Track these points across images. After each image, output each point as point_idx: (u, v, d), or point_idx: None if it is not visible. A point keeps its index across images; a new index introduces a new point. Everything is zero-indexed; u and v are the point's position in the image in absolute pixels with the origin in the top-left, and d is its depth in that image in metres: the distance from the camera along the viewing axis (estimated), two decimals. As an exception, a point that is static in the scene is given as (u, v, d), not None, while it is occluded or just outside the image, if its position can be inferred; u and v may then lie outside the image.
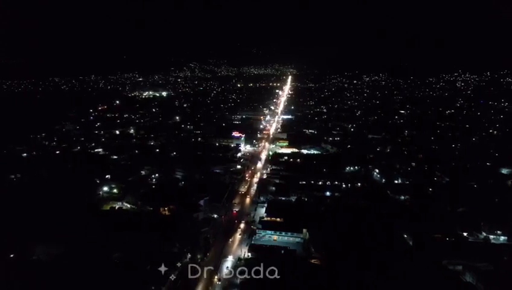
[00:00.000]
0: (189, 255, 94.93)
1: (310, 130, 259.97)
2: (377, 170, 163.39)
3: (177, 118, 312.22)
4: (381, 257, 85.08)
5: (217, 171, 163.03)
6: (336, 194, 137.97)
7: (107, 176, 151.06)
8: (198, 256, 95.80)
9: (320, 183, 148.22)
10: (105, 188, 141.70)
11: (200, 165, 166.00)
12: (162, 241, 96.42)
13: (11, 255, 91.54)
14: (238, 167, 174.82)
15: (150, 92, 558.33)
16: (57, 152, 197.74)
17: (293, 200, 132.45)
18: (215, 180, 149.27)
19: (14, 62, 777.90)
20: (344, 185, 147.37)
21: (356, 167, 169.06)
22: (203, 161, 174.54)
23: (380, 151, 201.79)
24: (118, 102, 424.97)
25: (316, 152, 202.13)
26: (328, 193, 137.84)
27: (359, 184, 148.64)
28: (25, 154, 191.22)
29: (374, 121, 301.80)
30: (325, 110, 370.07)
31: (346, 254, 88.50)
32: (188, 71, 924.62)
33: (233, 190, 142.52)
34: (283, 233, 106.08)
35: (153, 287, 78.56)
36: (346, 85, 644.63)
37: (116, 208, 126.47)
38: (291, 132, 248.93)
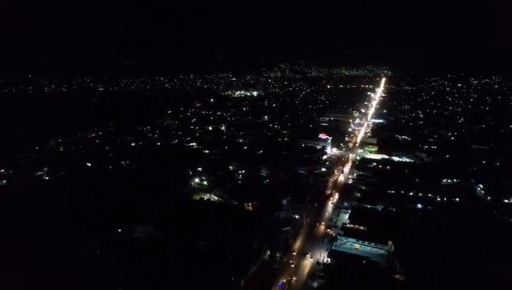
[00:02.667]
0: (268, 252, 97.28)
1: (402, 136, 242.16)
2: (482, 185, 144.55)
3: (266, 117, 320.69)
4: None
5: (301, 172, 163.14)
6: (429, 207, 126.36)
7: (198, 169, 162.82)
8: (278, 254, 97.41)
9: (411, 194, 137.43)
10: (197, 180, 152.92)
11: (285, 165, 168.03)
12: (243, 236, 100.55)
13: (119, 231, 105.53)
14: (323, 169, 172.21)
15: (242, 92, 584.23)
16: (158, 144, 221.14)
17: (379, 209, 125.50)
18: (299, 181, 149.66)
19: (130, 64, 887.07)
20: (439, 199, 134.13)
21: (455, 180, 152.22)
22: (288, 160, 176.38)
23: (487, 164, 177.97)
24: (212, 100, 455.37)
25: (408, 160, 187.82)
26: (419, 205, 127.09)
27: (458, 199, 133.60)
28: (133, 144, 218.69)
29: (481, 130, 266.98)
30: (421, 115, 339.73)
31: (436, 274, 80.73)
32: (278, 72, 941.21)
33: (317, 192, 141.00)
34: (366, 242, 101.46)
35: (232, 278, 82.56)
36: (448, 88, 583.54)
37: (205, 199, 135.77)
38: (381, 137, 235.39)
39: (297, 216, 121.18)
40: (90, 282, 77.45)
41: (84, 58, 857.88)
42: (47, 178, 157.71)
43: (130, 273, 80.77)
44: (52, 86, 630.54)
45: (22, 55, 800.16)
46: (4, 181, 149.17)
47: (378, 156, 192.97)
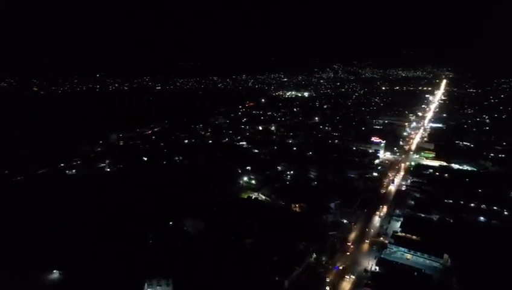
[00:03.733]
0: (314, 255, 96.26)
1: (464, 143, 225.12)
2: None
3: (316, 118, 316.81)
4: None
5: (352, 175, 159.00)
6: (494, 221, 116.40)
7: (247, 168, 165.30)
8: (324, 258, 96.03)
9: (472, 205, 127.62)
10: (245, 178, 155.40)
11: (335, 167, 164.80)
12: (290, 237, 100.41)
13: (170, 223, 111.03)
14: (375, 174, 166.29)
15: (293, 92, 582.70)
16: (210, 142, 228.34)
17: (435, 219, 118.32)
18: (349, 185, 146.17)
19: (187, 64, 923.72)
20: (507, 213, 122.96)
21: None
22: (338, 163, 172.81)
23: None
24: (263, 100, 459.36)
25: (470, 168, 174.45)
26: (481, 218, 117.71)
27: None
28: (186, 141, 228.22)
29: None
30: (487, 120, 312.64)
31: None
32: (331, 72, 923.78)
33: (367, 197, 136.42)
34: (418, 253, 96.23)
35: (276, 278, 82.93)
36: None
37: (253, 197, 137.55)
38: (440, 142, 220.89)
39: (345, 221, 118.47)
40: (140, 268, 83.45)
41: (143, 59, 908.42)
42: (108, 170, 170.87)
43: (178, 264, 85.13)
44: (116, 85, 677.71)
45: (91, 56, 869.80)
46: (74, 171, 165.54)
47: (436, 163, 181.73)
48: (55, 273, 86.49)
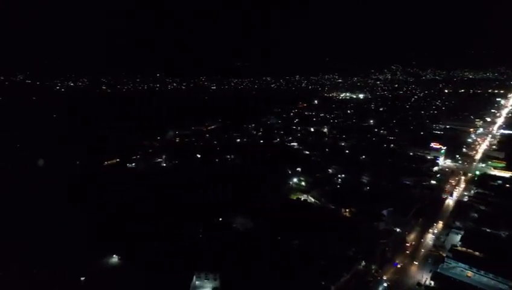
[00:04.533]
0: (363, 263, 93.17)
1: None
2: None
3: (371, 121, 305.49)
4: None
5: (407, 182, 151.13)
6: None
7: (298, 169, 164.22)
8: (373, 266, 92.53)
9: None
10: (295, 180, 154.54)
11: (389, 173, 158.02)
12: (338, 241, 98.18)
13: (220, 219, 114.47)
14: (433, 182, 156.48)
15: (347, 94, 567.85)
16: (261, 141, 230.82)
17: (503, 235, 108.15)
18: (404, 192, 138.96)
19: (242, 65, 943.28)
20: None
21: None
22: (393, 169, 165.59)
23: None
24: (316, 101, 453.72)
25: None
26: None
27: None
28: (238, 140, 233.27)
29: None
30: None
31: None
32: (388, 74, 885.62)
33: (423, 206, 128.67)
34: (482, 272, 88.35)
35: (323, 283, 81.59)
36: None
37: (302, 199, 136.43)
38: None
39: (398, 229, 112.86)
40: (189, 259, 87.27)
41: (200, 59, 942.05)
42: (164, 165, 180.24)
43: (225, 260, 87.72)
44: (174, 84, 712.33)
45: (152, 57, 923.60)
46: (134, 164, 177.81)
47: (506, 174, 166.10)
48: (114, 258, 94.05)
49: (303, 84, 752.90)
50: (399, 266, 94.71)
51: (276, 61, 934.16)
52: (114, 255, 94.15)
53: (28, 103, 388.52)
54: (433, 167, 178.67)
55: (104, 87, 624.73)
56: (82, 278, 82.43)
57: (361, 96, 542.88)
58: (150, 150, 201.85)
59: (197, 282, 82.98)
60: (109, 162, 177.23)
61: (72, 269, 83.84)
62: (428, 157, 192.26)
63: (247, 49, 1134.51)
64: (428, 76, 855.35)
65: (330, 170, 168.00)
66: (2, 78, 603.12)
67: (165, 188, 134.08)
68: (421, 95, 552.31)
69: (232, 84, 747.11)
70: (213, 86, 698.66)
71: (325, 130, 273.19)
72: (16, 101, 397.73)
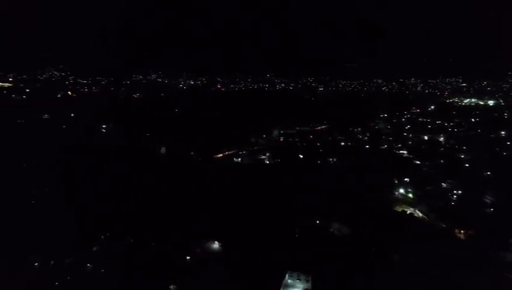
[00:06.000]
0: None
1: None
2: None
3: (503, 132, 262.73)
4: None
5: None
6: None
7: (405, 179, 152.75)
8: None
9: None
10: (401, 190, 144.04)
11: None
12: (449, 267, 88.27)
13: (317, 222, 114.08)
14: None
15: (472, 99, 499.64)
16: (366, 146, 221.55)
17: None
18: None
19: (351, 66, 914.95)
20: None
21: None
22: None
23: None
24: (432, 107, 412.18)
25: None
26: None
27: None
28: (342, 144, 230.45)
29: None
30: None
31: None
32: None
33: None
34: None
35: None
36: None
37: (407, 212, 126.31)
38: None
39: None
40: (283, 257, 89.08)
41: (308, 60, 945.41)
42: (267, 162, 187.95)
43: (319, 263, 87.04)
44: (282, 85, 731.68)
45: (261, 58, 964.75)
46: (239, 159, 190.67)
47: None
48: (216, 244, 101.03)
49: (418, 88, 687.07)
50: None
51: (389, 63, 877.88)
52: (216, 241, 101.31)
53: (159, 98, 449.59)
54: None
55: (219, 86, 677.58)
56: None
57: (491, 102, 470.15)
58: (255, 147, 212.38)
59: (289, 281, 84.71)
60: (218, 155, 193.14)
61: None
62: None
63: (356, 50, 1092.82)
64: None
65: (444, 184, 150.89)
66: (140, 77, 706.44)
67: (266, 186, 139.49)
68: None
69: (340, 85, 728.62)
70: (320, 88, 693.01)
71: (441, 139, 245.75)
72: (152, 96, 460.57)
